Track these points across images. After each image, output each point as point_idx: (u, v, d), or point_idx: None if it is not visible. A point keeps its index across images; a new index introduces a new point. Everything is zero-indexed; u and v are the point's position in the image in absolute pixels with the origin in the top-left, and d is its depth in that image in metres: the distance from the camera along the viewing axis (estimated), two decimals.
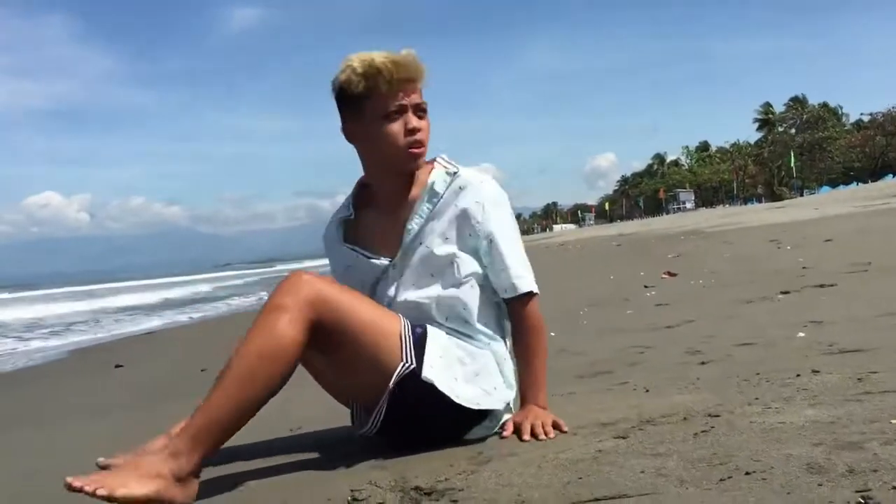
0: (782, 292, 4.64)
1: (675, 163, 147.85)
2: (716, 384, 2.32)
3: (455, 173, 2.05)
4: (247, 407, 1.77)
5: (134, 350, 8.50)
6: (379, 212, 2.10)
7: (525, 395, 2.04)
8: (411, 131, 1.98)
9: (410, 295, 2.03)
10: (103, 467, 1.90)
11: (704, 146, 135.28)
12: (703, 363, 2.78)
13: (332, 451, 2.11)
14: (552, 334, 4.22)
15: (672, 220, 44.87)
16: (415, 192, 2.06)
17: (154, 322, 13.34)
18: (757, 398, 2.03)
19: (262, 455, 1.85)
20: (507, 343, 2.11)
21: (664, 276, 7.06)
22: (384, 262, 2.06)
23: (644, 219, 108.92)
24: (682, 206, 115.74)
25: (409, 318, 1.98)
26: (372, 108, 1.97)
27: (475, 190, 2.03)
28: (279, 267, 66.96)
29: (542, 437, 1.90)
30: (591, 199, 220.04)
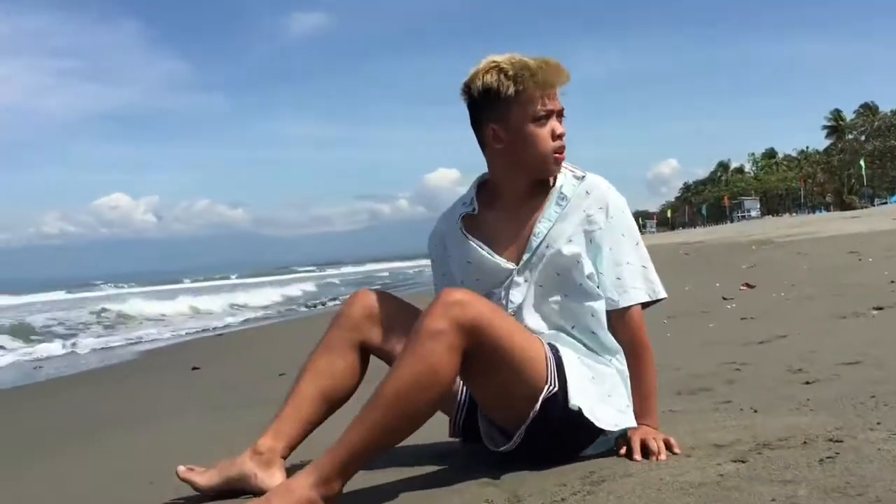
0: (876, 308, 4.49)
1: (740, 170, 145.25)
2: (829, 406, 2.24)
3: (583, 177, 2.05)
4: (396, 436, 1.78)
5: (209, 351, 8.60)
6: (503, 213, 2.08)
7: (636, 413, 1.99)
8: (559, 136, 1.99)
9: (538, 301, 2.01)
10: (184, 478, 2.03)
11: (771, 153, 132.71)
12: (808, 382, 2.70)
13: (437, 465, 2.09)
14: None
15: (738, 228, 44.03)
16: (541, 195, 2.05)
17: (227, 320, 13.60)
18: (879, 423, 1.96)
19: (364, 470, 1.83)
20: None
21: (742, 287, 6.91)
22: (509, 264, 2.03)
23: (707, 227, 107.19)
24: (746, 213, 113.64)
25: (534, 324, 1.98)
26: (520, 111, 1.97)
27: (601, 195, 2.02)
28: (344, 270, 67.67)
29: (655, 456, 1.85)
30: (653, 206, 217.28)
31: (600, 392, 1.95)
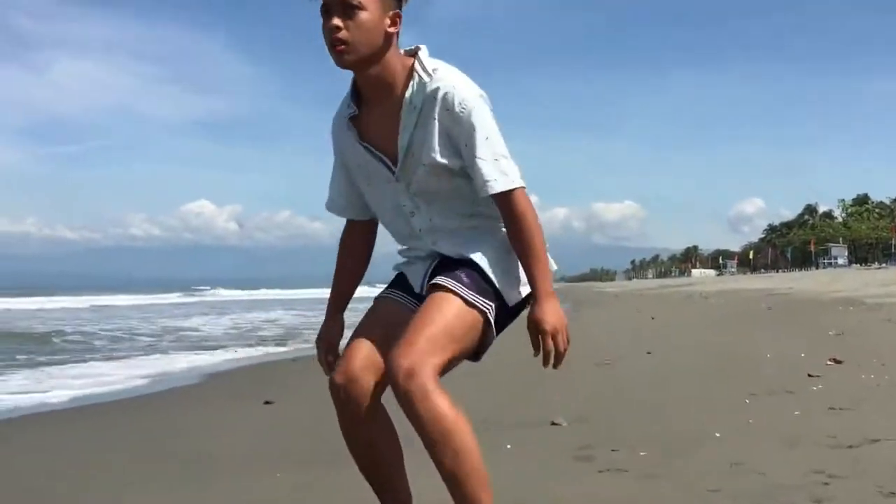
0: None
1: (828, 215, 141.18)
2: None
3: (430, 80, 2.08)
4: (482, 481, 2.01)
5: (283, 379, 8.54)
6: (372, 110, 2.17)
7: (533, 287, 2.14)
8: (331, 29, 2.02)
9: (426, 202, 2.19)
10: None
11: (863, 199, 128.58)
12: None
13: None
14: (717, 435, 4.03)
15: (823, 278, 42.65)
16: (399, 92, 2.11)
17: (302, 346, 13.10)
18: None
19: None
20: None
21: (829, 362, 6.66)
22: (389, 169, 2.18)
23: (791, 272, 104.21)
24: (833, 260, 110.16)
25: (440, 223, 2.21)
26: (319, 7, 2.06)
27: (449, 96, 2.07)
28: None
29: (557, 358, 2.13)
30: (734, 246, 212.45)
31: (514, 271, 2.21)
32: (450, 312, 2.07)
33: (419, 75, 2.09)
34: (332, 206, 2.41)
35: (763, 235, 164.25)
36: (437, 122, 2.08)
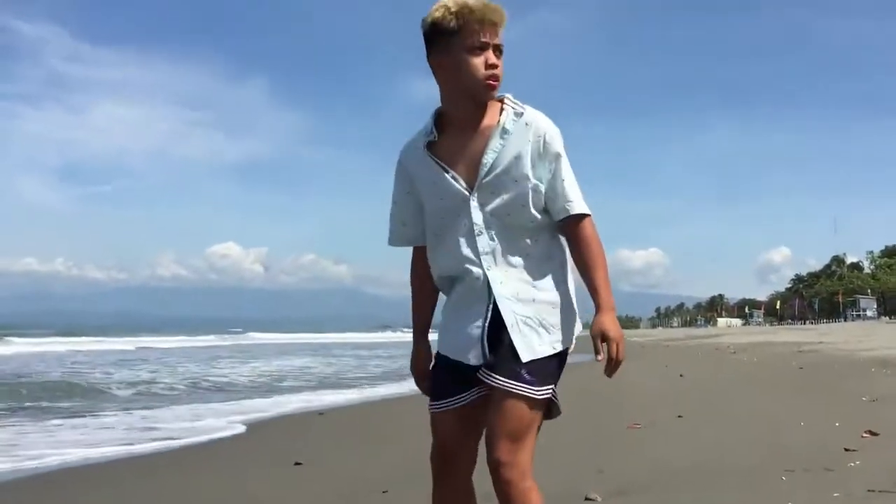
0: None
1: (856, 266, 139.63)
2: None
3: (522, 113, 2.41)
4: None
5: (312, 435, 8.53)
6: (455, 140, 2.43)
7: (597, 299, 2.41)
8: (491, 66, 2.35)
9: (493, 223, 2.40)
10: None
11: (892, 251, 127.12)
12: None
13: None
14: None
15: (854, 331, 42.04)
16: (488, 123, 2.41)
17: (327, 398, 13.14)
18: None
19: None
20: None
21: (865, 434, 6.56)
22: (464, 189, 2.40)
23: (818, 323, 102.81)
24: (862, 312, 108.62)
25: (492, 243, 2.41)
26: (460, 42, 2.33)
27: (539, 126, 2.40)
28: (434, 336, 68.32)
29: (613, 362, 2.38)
30: (761, 295, 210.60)
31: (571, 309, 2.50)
32: (525, 414, 2.34)
33: (512, 108, 2.42)
34: (399, 239, 2.62)
35: (790, 285, 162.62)
36: (529, 145, 2.38)
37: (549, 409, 2.43)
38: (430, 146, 2.45)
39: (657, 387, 13.16)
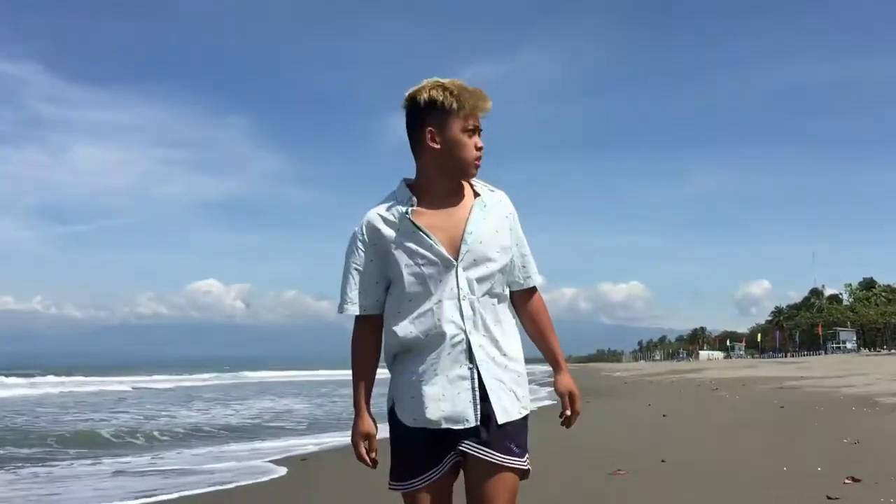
0: None
1: (835, 297, 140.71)
2: None
3: (493, 191, 2.67)
4: None
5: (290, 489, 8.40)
6: (435, 211, 2.55)
7: (557, 366, 2.75)
8: (479, 149, 2.56)
9: (474, 289, 2.53)
10: None
11: (870, 283, 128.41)
12: None
13: None
14: None
15: (835, 365, 42.28)
16: (465, 196, 2.60)
17: (306, 442, 12.93)
18: None
19: None
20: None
21: (847, 481, 6.60)
22: (450, 256, 2.51)
23: (800, 356, 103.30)
24: (842, 344, 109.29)
25: (472, 309, 2.53)
26: (456, 123, 2.51)
27: (508, 204, 2.67)
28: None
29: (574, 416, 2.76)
30: (742, 327, 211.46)
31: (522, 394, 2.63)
32: (515, 485, 2.55)
33: (485, 187, 2.65)
34: (359, 307, 2.63)
35: (770, 317, 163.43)
36: (504, 220, 2.62)
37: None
38: (411, 213, 2.54)
39: (640, 427, 13.17)
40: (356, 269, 2.60)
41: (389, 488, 2.61)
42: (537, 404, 17.08)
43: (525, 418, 2.61)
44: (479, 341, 2.53)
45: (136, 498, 7.79)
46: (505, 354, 2.59)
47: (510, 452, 2.52)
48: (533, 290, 2.74)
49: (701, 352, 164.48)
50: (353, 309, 2.62)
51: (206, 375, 68.65)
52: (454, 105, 2.50)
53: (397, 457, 2.59)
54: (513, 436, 2.54)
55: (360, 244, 2.59)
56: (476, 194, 2.61)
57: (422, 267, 2.51)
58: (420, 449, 2.52)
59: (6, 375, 55.13)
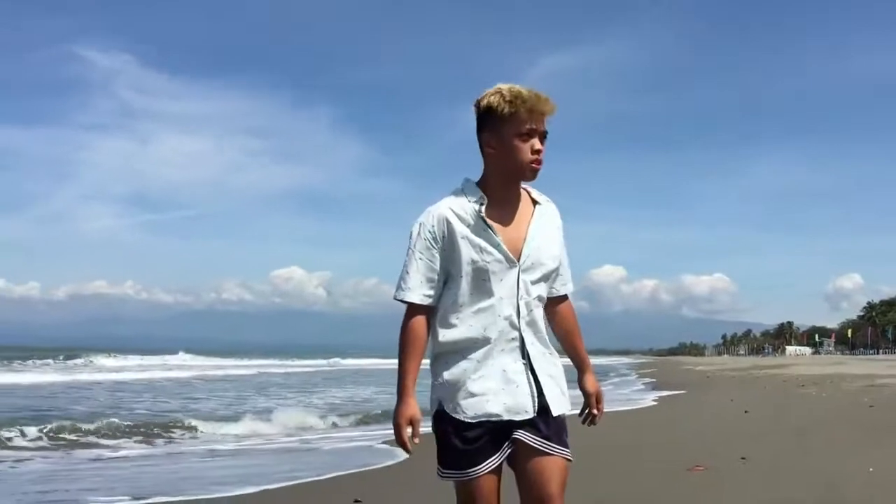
0: None
1: None
2: None
3: (548, 200, 2.80)
4: None
5: (373, 482, 8.48)
6: (499, 209, 2.67)
7: (585, 368, 2.93)
8: (536, 151, 2.63)
9: (531, 290, 2.68)
10: None
11: None
12: None
13: None
14: None
15: None
16: (525, 202, 2.73)
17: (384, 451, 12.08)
18: None
19: None
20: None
21: None
22: (513, 256, 2.64)
23: (893, 353, 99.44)
24: None
25: (528, 308, 2.68)
26: (510, 128, 2.61)
27: (557, 213, 2.82)
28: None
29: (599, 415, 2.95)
30: (832, 323, 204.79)
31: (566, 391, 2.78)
32: (567, 475, 2.69)
33: (540, 196, 2.79)
34: (417, 295, 2.69)
35: (862, 313, 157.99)
36: (557, 230, 2.77)
37: None
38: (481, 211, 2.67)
39: (721, 423, 12.93)
40: (420, 259, 2.67)
41: (441, 476, 2.72)
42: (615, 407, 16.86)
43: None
44: (531, 339, 2.70)
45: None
46: (552, 353, 2.78)
47: (562, 443, 2.70)
48: (565, 296, 2.90)
49: (787, 347, 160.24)
50: (411, 296, 2.68)
51: (316, 362, 73.25)
52: (507, 110, 2.60)
53: (453, 448, 2.67)
54: (563, 428, 2.73)
55: (428, 235, 2.67)
56: (535, 202, 2.76)
57: (487, 264, 2.62)
58: (478, 440, 2.63)
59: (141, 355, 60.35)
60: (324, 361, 75.06)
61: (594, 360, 3.06)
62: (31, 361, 49.76)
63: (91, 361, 53.88)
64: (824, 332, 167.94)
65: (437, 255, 2.66)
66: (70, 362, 51.84)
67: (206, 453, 10.66)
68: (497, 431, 2.63)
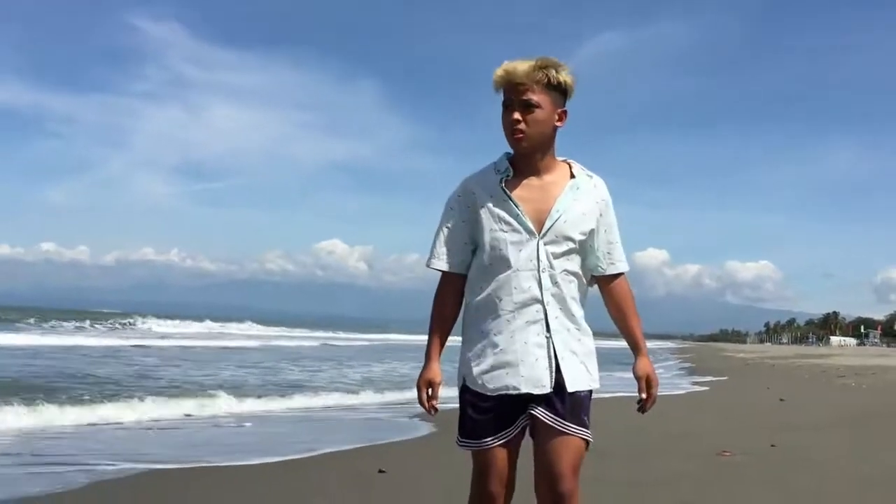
0: None
1: None
2: None
3: (591, 177, 2.77)
4: None
5: (397, 454, 8.49)
6: (526, 182, 2.70)
7: (639, 349, 2.84)
8: (512, 122, 2.63)
9: (552, 264, 2.66)
10: None
11: None
12: None
13: None
14: None
15: None
16: (560, 177, 2.73)
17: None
18: None
19: None
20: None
21: None
22: (533, 228, 2.65)
23: None
24: None
25: (551, 281, 2.66)
26: (502, 102, 2.68)
27: (604, 192, 2.78)
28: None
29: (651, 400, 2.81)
30: (879, 314, 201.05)
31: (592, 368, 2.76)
32: (583, 453, 2.69)
33: (582, 170, 2.78)
34: (443, 262, 2.80)
35: None
36: (596, 206, 2.73)
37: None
38: (505, 183, 2.70)
39: (755, 411, 12.78)
40: (447, 227, 2.79)
41: (459, 445, 2.78)
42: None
43: (591, 393, 2.75)
44: (555, 313, 2.68)
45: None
46: (579, 329, 2.74)
47: (579, 422, 2.68)
48: (618, 275, 2.83)
49: (832, 337, 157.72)
50: (440, 264, 2.79)
51: (373, 336, 74.88)
52: (495, 87, 2.70)
53: (471, 417, 2.74)
54: (581, 406, 2.70)
55: (456, 205, 2.78)
56: (572, 176, 2.75)
57: (505, 234, 2.66)
58: (494, 410, 2.68)
59: (214, 321, 62.29)
60: (378, 336, 75.84)
61: None
62: (106, 323, 53.17)
63: (150, 330, 54.32)
64: (870, 324, 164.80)
65: (463, 225, 2.75)
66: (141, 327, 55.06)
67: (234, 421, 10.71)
68: (514, 405, 2.67)
